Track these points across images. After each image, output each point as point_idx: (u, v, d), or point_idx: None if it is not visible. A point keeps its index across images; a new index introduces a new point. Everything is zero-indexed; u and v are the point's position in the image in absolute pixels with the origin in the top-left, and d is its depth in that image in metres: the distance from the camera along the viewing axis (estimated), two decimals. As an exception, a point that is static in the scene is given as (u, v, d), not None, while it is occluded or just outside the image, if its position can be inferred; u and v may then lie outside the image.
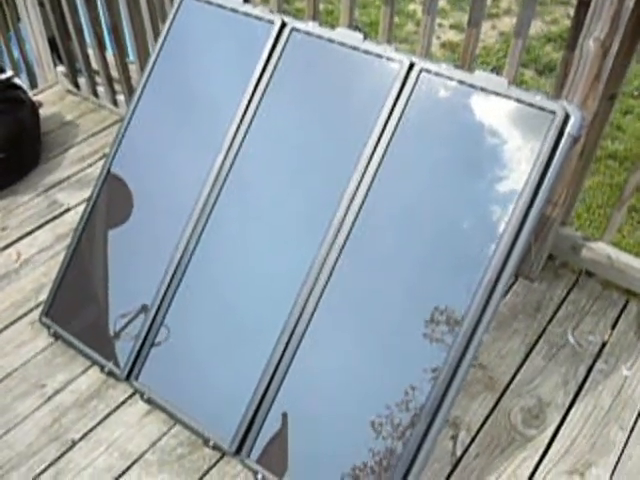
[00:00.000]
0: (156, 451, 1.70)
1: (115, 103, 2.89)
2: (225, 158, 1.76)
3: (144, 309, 1.81)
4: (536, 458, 1.69)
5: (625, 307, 2.05)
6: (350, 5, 2.06)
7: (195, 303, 1.76)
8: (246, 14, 1.79)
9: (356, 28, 1.70)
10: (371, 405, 1.53)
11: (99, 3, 2.57)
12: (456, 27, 4.66)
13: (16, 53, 3.38)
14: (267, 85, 1.73)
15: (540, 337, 1.97)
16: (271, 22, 1.74)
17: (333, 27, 1.70)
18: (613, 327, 2.00)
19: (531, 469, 1.67)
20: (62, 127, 2.84)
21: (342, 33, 1.67)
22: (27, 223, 2.38)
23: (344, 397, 1.57)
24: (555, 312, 2.04)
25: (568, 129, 1.43)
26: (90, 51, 2.82)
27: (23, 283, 2.15)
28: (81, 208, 2.39)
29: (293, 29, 1.72)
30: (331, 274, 1.60)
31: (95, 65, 2.84)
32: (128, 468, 1.67)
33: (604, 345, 1.95)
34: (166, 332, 1.78)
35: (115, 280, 1.88)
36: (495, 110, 1.49)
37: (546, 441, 1.73)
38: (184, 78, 1.88)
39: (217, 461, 1.68)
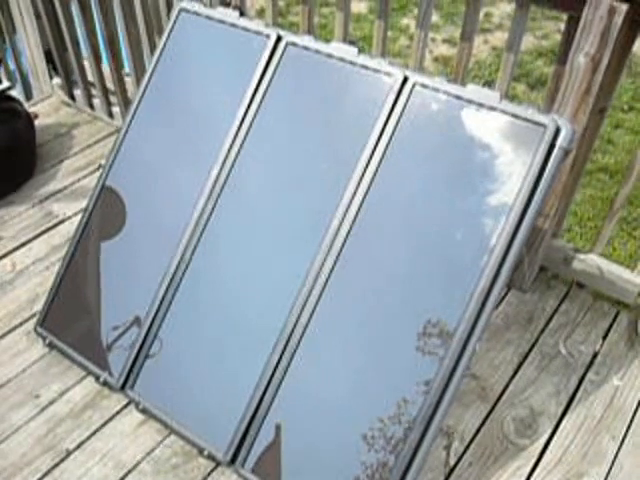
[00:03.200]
0: (151, 461, 1.71)
1: (111, 115, 2.90)
2: (220, 171, 1.77)
3: (136, 321, 1.82)
4: (529, 467, 1.70)
5: (616, 318, 2.07)
6: (345, 19, 2.09)
7: (190, 314, 1.77)
8: (242, 28, 1.81)
9: (351, 42, 1.72)
10: (364, 418, 1.54)
11: (95, 15, 2.59)
12: (448, 41, 4.71)
13: (12, 64, 3.39)
14: (263, 98, 1.75)
15: (532, 347, 1.98)
16: (267, 36, 1.76)
17: (328, 41, 1.72)
18: (604, 338, 2.02)
19: (524, 479, 1.68)
20: (57, 138, 2.85)
21: (337, 47, 1.69)
22: (22, 234, 2.39)
23: (337, 410, 1.58)
24: (547, 323, 2.06)
25: (559, 142, 1.45)
26: (86, 63, 2.84)
27: (18, 293, 2.16)
28: (76, 219, 2.39)
29: (288, 43, 1.74)
30: (324, 287, 1.61)
31: (91, 77, 2.86)
32: (123, 478, 1.67)
33: (595, 355, 1.97)
34: (160, 344, 1.78)
35: (107, 292, 1.89)
36: (487, 123, 1.52)
37: (538, 451, 1.74)
38: (180, 91, 1.89)
39: (212, 470, 1.69)
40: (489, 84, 4.05)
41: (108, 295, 1.89)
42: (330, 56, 1.69)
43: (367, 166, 1.61)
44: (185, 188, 1.83)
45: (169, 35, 1.92)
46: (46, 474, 1.68)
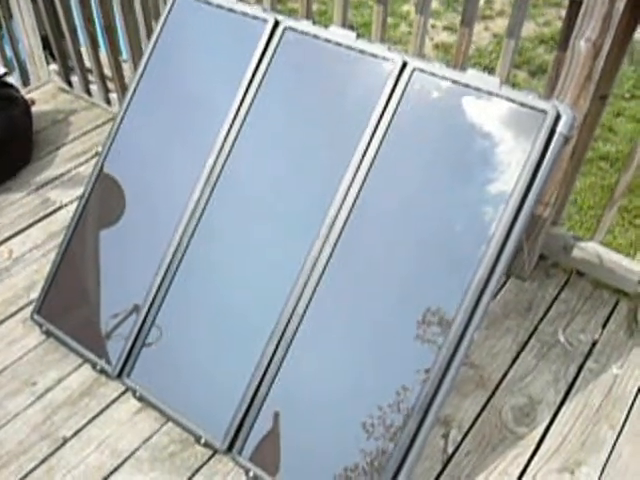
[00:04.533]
0: (147, 449, 1.70)
1: (108, 101, 2.88)
2: (217, 157, 1.76)
3: (136, 309, 1.81)
4: (527, 456, 1.70)
5: (615, 306, 2.06)
6: (343, 5, 2.06)
7: (187, 302, 1.76)
8: (239, 12, 1.79)
9: (350, 27, 1.70)
10: (363, 406, 1.53)
11: (92, 1, 2.57)
12: (449, 28, 4.68)
13: (8, 51, 3.37)
14: (260, 83, 1.73)
15: (531, 336, 1.98)
16: (264, 20, 1.74)
17: (326, 27, 1.70)
18: (603, 326, 2.01)
19: (522, 467, 1.68)
20: (54, 125, 2.83)
21: (335, 32, 1.67)
22: (19, 221, 2.37)
23: (336, 397, 1.58)
24: (546, 311, 2.05)
25: (559, 128, 1.44)
26: (83, 49, 2.82)
27: (15, 280, 2.15)
28: (73, 206, 2.38)
29: (286, 28, 1.72)
30: (323, 274, 1.60)
31: (88, 63, 2.84)
32: (119, 466, 1.67)
33: (594, 344, 1.96)
34: (158, 332, 1.78)
35: (107, 280, 1.88)
36: (487, 109, 1.50)
37: (537, 439, 1.73)
38: (177, 77, 1.88)
39: (209, 459, 1.68)
40: (489, 71, 4.02)
41: (107, 282, 1.88)
42: (328, 41, 1.67)
43: (365, 152, 1.59)
44: (182, 175, 1.81)
45: (166, 20, 1.89)
46: (43, 461, 1.68)
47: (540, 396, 1.82)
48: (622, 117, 3.84)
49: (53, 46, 2.90)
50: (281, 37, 1.72)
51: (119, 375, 1.81)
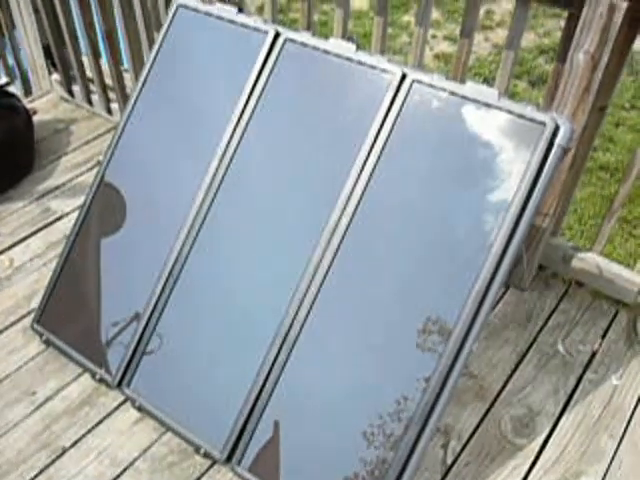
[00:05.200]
0: (147, 459, 1.70)
1: (109, 111, 2.89)
2: (219, 166, 1.76)
3: (137, 317, 1.81)
4: (526, 467, 1.69)
5: (615, 317, 2.06)
6: (344, 16, 2.08)
7: (188, 310, 1.76)
8: (240, 24, 1.80)
9: (349, 39, 1.71)
10: (363, 415, 1.53)
11: (94, 10, 2.58)
12: (449, 38, 4.69)
13: (11, 60, 3.38)
14: (261, 94, 1.74)
15: (531, 346, 1.98)
16: (265, 32, 1.75)
17: (327, 38, 1.71)
18: (603, 337, 2.01)
19: (521, 477, 1.67)
20: (56, 134, 2.84)
21: (335, 44, 1.68)
22: (20, 230, 2.38)
23: (336, 406, 1.58)
24: (546, 322, 2.05)
25: (558, 140, 1.44)
26: (85, 59, 2.83)
27: (15, 290, 2.15)
28: (74, 216, 2.39)
29: (287, 39, 1.73)
30: (323, 283, 1.60)
31: (89, 73, 2.85)
32: (118, 476, 1.67)
33: (594, 355, 1.96)
34: (158, 340, 1.78)
35: (107, 288, 1.88)
36: (486, 121, 1.51)
37: (536, 450, 1.73)
38: (178, 87, 1.89)
39: (208, 469, 1.68)
40: (489, 82, 4.03)
41: (108, 291, 1.88)
42: (328, 52, 1.68)
43: (365, 162, 1.60)
44: (184, 182, 1.82)
45: (167, 31, 1.91)
46: (42, 471, 1.68)
47: (539, 407, 1.82)
48: (622, 127, 3.85)
49: (55, 55, 2.91)
50: (281, 48, 1.73)
51: (119, 384, 1.81)
